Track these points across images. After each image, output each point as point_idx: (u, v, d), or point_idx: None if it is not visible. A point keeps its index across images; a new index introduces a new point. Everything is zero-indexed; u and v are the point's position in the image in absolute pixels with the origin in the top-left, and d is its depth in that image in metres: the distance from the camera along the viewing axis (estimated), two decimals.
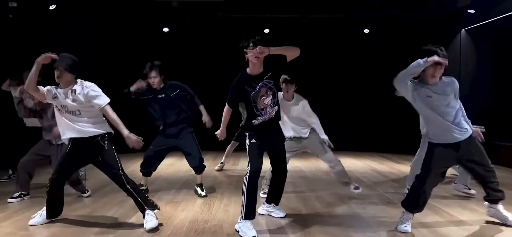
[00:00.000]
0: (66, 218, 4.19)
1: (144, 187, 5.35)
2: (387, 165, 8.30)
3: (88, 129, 3.87)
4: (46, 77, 3.94)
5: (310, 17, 9.55)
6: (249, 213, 3.70)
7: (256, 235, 3.61)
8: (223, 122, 4.09)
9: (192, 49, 10.10)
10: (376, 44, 10.12)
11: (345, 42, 10.29)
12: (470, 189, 5.14)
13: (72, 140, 3.92)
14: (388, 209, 4.67)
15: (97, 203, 4.87)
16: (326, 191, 5.65)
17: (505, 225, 3.91)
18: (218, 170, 7.31)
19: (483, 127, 4.09)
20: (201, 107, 5.37)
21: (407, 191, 4.53)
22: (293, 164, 7.42)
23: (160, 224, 3.91)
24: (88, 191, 5.22)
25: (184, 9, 9.17)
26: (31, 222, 3.97)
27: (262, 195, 4.85)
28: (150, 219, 3.79)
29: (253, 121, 3.88)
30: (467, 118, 3.82)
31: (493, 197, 3.94)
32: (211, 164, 7.37)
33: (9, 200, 4.83)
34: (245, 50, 3.75)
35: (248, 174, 3.73)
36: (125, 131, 3.79)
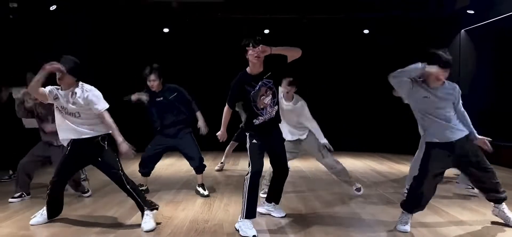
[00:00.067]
0: (66, 217, 4.20)
1: (144, 187, 5.37)
2: (387, 165, 8.31)
3: (88, 130, 3.88)
4: (47, 78, 3.95)
5: (310, 18, 9.57)
6: (250, 213, 3.72)
7: (256, 234, 3.62)
8: (224, 123, 4.10)
9: (192, 50, 10.11)
10: (376, 44, 10.13)
11: (345, 42, 10.30)
12: (473, 188, 5.13)
13: (72, 141, 3.94)
14: (387, 209, 4.68)
15: (97, 203, 4.88)
16: (326, 191, 5.66)
17: (508, 225, 3.91)
18: (218, 170, 7.32)
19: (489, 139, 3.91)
20: (198, 114, 5.39)
21: (406, 191, 4.54)
22: (293, 164, 7.42)
23: (158, 223, 3.92)
24: (88, 191, 5.24)
25: (184, 9, 9.19)
26: (32, 221, 3.98)
27: (262, 195, 4.85)
28: (148, 220, 3.81)
29: (253, 121, 3.89)
30: (471, 126, 3.78)
31: (493, 198, 3.93)
32: (211, 164, 7.38)
33: (10, 200, 4.84)
34: (247, 48, 3.75)
35: (249, 174, 3.74)
36: (119, 138, 3.80)
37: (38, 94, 3.85)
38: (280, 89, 4.93)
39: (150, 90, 5.20)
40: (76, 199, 5.06)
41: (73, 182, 5.02)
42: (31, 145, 5.07)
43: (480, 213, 4.41)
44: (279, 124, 4.10)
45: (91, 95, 3.80)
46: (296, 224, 4.08)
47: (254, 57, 3.74)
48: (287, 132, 5.07)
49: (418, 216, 4.15)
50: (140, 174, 5.42)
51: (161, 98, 5.22)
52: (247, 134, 3.97)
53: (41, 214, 4.03)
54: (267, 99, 3.86)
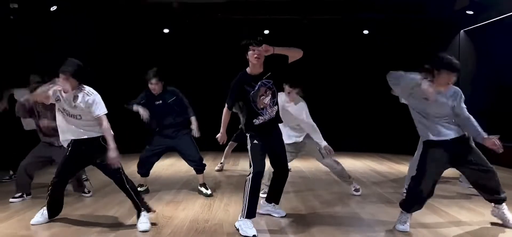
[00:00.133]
0: (67, 217, 4.22)
1: (144, 188, 5.40)
2: (386, 165, 8.33)
3: (89, 131, 3.90)
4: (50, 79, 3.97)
5: (310, 18, 9.59)
6: (250, 213, 3.73)
7: (256, 234, 3.64)
8: (223, 124, 4.10)
9: (192, 50, 10.13)
10: (375, 45, 10.15)
11: (344, 43, 10.32)
12: None
13: (72, 142, 3.95)
14: (387, 208, 4.69)
15: (98, 203, 4.90)
16: (325, 191, 5.67)
17: (506, 226, 3.92)
18: (218, 171, 7.34)
19: (498, 135, 3.80)
20: (193, 118, 5.40)
21: (405, 191, 4.55)
22: (293, 165, 7.43)
23: (153, 224, 3.92)
24: (90, 192, 5.26)
25: (184, 10, 9.20)
26: (32, 221, 4.00)
27: (262, 195, 4.86)
28: (144, 221, 3.83)
29: (254, 121, 3.90)
30: (478, 129, 3.69)
31: (493, 198, 3.94)
32: (211, 165, 7.40)
33: (11, 200, 4.86)
34: (250, 47, 3.75)
35: (251, 175, 3.74)
36: (112, 144, 3.79)
37: (42, 99, 3.91)
38: (286, 89, 4.97)
39: (150, 93, 5.24)
40: (77, 199, 5.08)
41: (76, 181, 5.05)
42: (31, 146, 5.09)
43: (479, 213, 4.42)
44: (279, 125, 4.11)
45: (91, 99, 3.81)
46: (296, 224, 4.10)
47: (255, 57, 3.75)
48: (286, 135, 5.07)
49: (418, 216, 4.17)
50: (139, 175, 5.43)
51: (161, 101, 5.26)
52: (248, 135, 3.98)
53: (42, 214, 4.05)
54: (267, 99, 3.87)
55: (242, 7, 9.17)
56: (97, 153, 3.93)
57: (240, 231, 3.69)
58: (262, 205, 4.40)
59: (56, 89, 3.82)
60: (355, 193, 5.35)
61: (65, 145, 4.04)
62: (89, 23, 8.96)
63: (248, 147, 3.93)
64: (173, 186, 5.95)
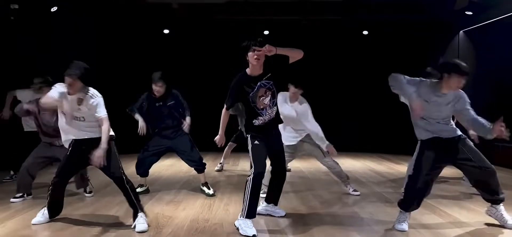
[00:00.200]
0: (68, 217, 4.24)
1: (145, 188, 5.42)
2: (386, 165, 8.35)
3: (90, 132, 3.93)
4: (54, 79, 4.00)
5: (310, 19, 9.61)
6: (250, 213, 3.75)
7: (256, 233, 3.66)
8: (222, 125, 4.09)
9: (192, 51, 10.15)
10: (375, 45, 10.18)
11: (344, 44, 10.34)
12: None
13: (73, 142, 3.98)
14: (386, 208, 4.72)
15: (98, 203, 4.92)
16: (325, 191, 5.69)
17: (503, 227, 3.93)
18: (217, 171, 7.36)
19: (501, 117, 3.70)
20: (188, 118, 5.43)
21: (404, 191, 4.57)
22: (293, 165, 7.46)
23: (149, 226, 3.91)
24: (92, 191, 5.30)
25: (184, 11, 9.22)
26: (33, 221, 4.02)
27: (261, 195, 4.88)
28: (142, 222, 3.84)
29: (253, 122, 3.92)
30: (485, 125, 3.68)
31: (492, 198, 3.94)
32: (211, 165, 7.42)
33: (12, 200, 4.87)
34: (253, 48, 3.76)
35: (252, 175, 3.76)
36: (104, 145, 3.79)
37: (50, 105, 3.96)
38: (291, 89, 5.01)
39: (152, 94, 5.28)
40: (77, 198, 5.10)
41: (80, 176, 5.10)
42: (32, 147, 5.10)
43: (480, 213, 4.42)
44: (279, 125, 4.12)
45: (96, 102, 3.86)
46: (295, 223, 4.11)
47: (254, 58, 3.77)
48: (285, 136, 5.07)
49: (418, 216, 4.20)
50: (138, 175, 5.45)
51: (161, 103, 5.31)
52: (248, 135, 3.99)
53: (43, 213, 4.07)
54: (267, 100, 3.89)
55: (242, 8, 9.19)
56: None
57: (240, 230, 3.71)
58: (262, 205, 4.42)
59: (63, 92, 3.84)
60: (353, 193, 5.37)
61: (66, 146, 4.06)
62: (89, 24, 8.98)
63: (249, 147, 3.94)
64: (173, 186, 5.97)
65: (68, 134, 3.98)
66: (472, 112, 3.77)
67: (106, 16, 9.19)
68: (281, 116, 4.16)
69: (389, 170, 7.64)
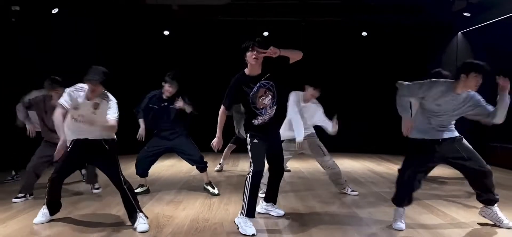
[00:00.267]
0: (69, 216, 4.28)
1: (145, 188, 5.46)
2: (385, 166, 8.39)
3: (94, 133, 3.96)
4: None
5: (309, 20, 9.66)
6: (250, 212, 3.78)
7: (255, 233, 3.69)
8: (219, 126, 4.04)
9: (192, 53, 10.19)
10: (373, 46, 10.22)
11: (343, 45, 10.39)
12: None
13: (75, 141, 4.01)
14: (384, 207, 4.75)
15: (99, 203, 4.96)
16: (324, 190, 5.73)
17: (499, 226, 3.96)
18: (217, 171, 7.39)
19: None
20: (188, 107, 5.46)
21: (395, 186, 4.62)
22: (292, 165, 7.50)
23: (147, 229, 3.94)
24: (99, 187, 5.45)
25: (184, 12, 9.27)
26: (35, 220, 4.05)
27: (260, 194, 4.93)
28: (142, 222, 3.86)
29: (253, 121, 3.96)
30: (487, 106, 3.76)
31: (487, 199, 3.97)
32: (211, 165, 7.45)
33: (14, 200, 4.91)
34: (254, 48, 3.79)
35: (251, 174, 3.79)
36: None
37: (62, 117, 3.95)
38: (309, 91, 5.24)
39: (159, 93, 5.34)
40: (78, 198, 5.14)
41: (91, 171, 5.30)
42: (33, 147, 5.15)
43: (477, 213, 4.45)
44: (281, 121, 4.16)
45: (112, 104, 3.94)
46: (294, 223, 4.15)
47: (253, 58, 3.81)
48: (287, 129, 5.14)
49: (417, 216, 4.24)
50: (138, 176, 5.50)
51: (166, 104, 5.34)
52: (248, 134, 4.03)
53: (43, 213, 4.10)
54: (267, 100, 3.93)
55: (242, 9, 9.23)
56: (97, 154, 4.02)
57: (240, 229, 3.75)
58: (261, 204, 4.46)
59: (74, 98, 3.85)
60: (352, 193, 5.42)
61: (67, 144, 4.09)
62: (90, 26, 9.03)
63: (248, 146, 3.97)
64: (174, 186, 6.01)
65: (73, 135, 3.99)
66: (489, 107, 3.79)
67: (106, 18, 9.24)
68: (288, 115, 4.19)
69: (388, 171, 7.68)
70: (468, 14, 8.45)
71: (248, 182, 3.78)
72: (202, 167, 5.45)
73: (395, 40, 9.98)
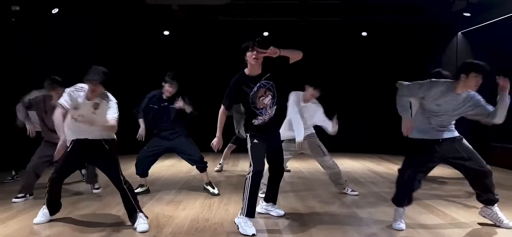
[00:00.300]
0: (69, 216, 4.28)
1: (145, 188, 5.46)
2: (385, 166, 8.39)
3: (94, 133, 3.96)
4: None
5: (309, 20, 9.66)
6: (250, 212, 3.78)
7: (255, 233, 3.69)
8: (219, 126, 4.04)
9: (192, 53, 10.19)
10: (373, 46, 10.22)
11: (343, 45, 10.39)
12: None
13: (75, 141, 4.01)
14: (384, 207, 4.75)
15: (99, 203, 4.96)
16: (324, 190, 5.73)
17: (499, 226, 3.96)
18: (217, 171, 7.40)
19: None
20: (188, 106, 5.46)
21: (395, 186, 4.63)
22: (292, 165, 7.50)
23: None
24: (99, 187, 5.43)
25: (184, 12, 9.28)
26: (35, 220, 4.05)
27: (260, 195, 4.93)
28: (142, 222, 3.86)
29: (253, 121, 3.96)
30: (487, 106, 3.77)
31: (486, 199, 3.97)
32: (211, 165, 7.45)
33: (14, 200, 4.91)
34: (254, 48, 3.79)
35: (251, 174, 3.79)
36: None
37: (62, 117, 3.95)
38: (309, 91, 5.23)
39: (159, 93, 5.33)
40: (78, 198, 5.14)
41: (91, 172, 5.27)
42: (33, 147, 5.15)
43: (477, 213, 4.46)
44: (281, 121, 4.16)
45: (112, 104, 3.93)
46: (294, 223, 4.15)
47: (253, 58, 3.81)
48: (287, 129, 5.15)
49: (417, 216, 4.24)
50: (138, 176, 5.50)
51: (166, 104, 5.35)
52: (248, 134, 4.03)
53: (43, 213, 4.10)
54: (267, 100, 3.93)
55: (242, 9, 9.23)
56: (97, 154, 4.02)
57: (240, 229, 3.75)
58: (261, 204, 4.46)
59: (74, 98, 3.84)
60: (352, 193, 5.42)
61: (67, 143, 4.10)
62: (90, 26, 9.03)
63: (248, 146, 3.97)
64: (174, 186, 6.01)
65: (73, 135, 3.99)
66: (489, 107, 3.78)
67: (106, 18, 9.24)
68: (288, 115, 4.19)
69: (388, 171, 7.68)
70: (468, 14, 8.45)
71: (248, 182, 3.78)
72: (202, 167, 5.46)
73: (395, 40, 9.98)
